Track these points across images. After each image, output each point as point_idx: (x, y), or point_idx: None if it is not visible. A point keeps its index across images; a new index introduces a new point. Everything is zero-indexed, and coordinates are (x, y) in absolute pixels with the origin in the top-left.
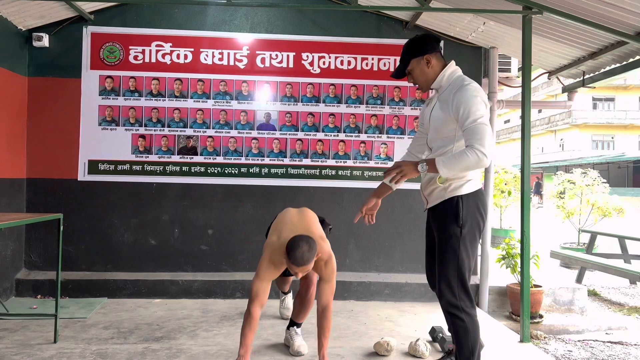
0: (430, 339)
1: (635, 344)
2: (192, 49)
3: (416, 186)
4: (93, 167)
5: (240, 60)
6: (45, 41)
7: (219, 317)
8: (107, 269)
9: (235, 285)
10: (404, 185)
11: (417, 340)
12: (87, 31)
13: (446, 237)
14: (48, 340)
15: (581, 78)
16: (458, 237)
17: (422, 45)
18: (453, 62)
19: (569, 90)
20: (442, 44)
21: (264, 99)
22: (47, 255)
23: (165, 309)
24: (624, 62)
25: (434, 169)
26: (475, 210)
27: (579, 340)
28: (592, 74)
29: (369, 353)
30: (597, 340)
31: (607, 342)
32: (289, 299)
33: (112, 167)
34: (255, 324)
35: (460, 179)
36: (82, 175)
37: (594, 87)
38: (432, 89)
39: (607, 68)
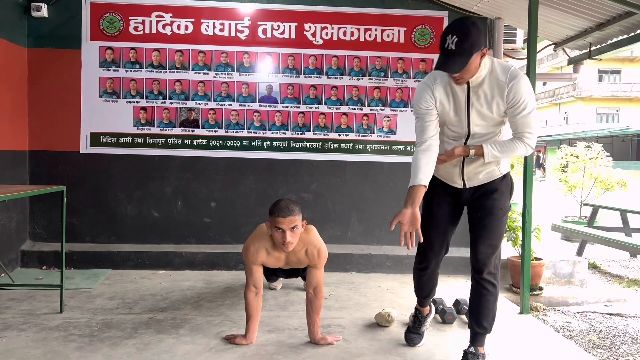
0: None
1: (633, 316)
2: (193, 20)
3: None
4: (95, 139)
5: (242, 31)
6: (44, 11)
7: (222, 289)
8: (111, 241)
9: (238, 257)
10: (407, 159)
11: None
12: (86, 1)
13: (504, 210)
14: (54, 310)
15: (587, 50)
16: (508, 211)
17: (480, 37)
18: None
19: (575, 62)
20: (446, 14)
21: (266, 70)
22: (52, 227)
23: (169, 280)
24: (632, 34)
25: (481, 154)
26: None
27: (578, 312)
28: (598, 46)
29: (370, 324)
30: (596, 312)
31: (606, 313)
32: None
33: (114, 139)
34: (250, 307)
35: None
36: (84, 147)
37: (600, 59)
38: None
39: (614, 40)
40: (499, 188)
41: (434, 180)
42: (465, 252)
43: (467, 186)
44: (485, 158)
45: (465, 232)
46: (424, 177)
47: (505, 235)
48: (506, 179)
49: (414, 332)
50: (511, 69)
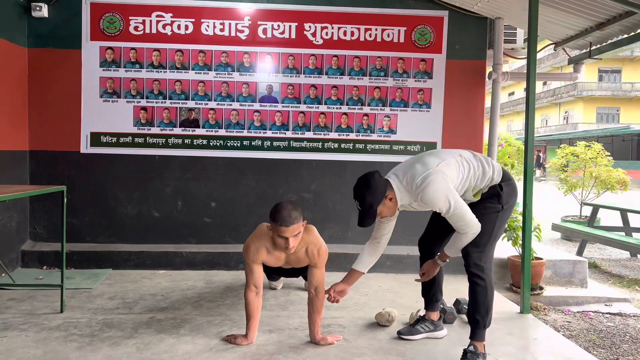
0: None
1: (634, 315)
2: (193, 20)
3: None
4: (95, 139)
5: (242, 31)
6: (44, 11)
7: (222, 288)
8: (112, 241)
9: (238, 257)
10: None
11: (418, 310)
12: (86, 1)
13: (488, 210)
14: (55, 310)
15: (588, 49)
16: (498, 212)
17: (380, 187)
18: (392, 177)
19: (575, 61)
20: (446, 13)
21: (266, 70)
22: (52, 226)
23: (169, 280)
24: (632, 33)
25: (447, 258)
26: (513, 194)
27: (578, 312)
28: (599, 45)
29: (371, 323)
30: (596, 312)
31: (607, 313)
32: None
33: (114, 139)
34: (250, 306)
35: (488, 181)
36: (85, 147)
37: (601, 59)
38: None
39: (615, 39)
40: (485, 195)
41: None
42: None
43: None
44: (452, 256)
45: None
46: (363, 266)
47: (505, 234)
48: (495, 188)
49: (407, 326)
50: (414, 187)
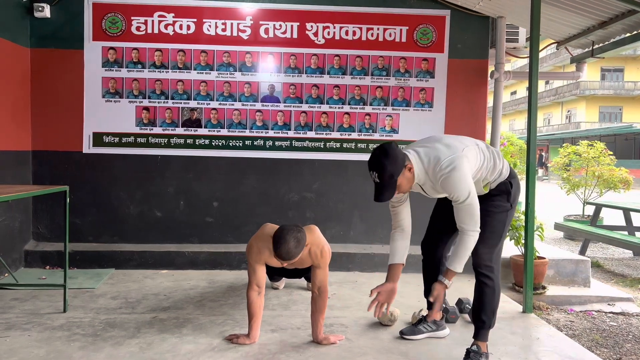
0: None
1: (637, 315)
2: (195, 20)
3: None
4: (98, 139)
5: (244, 31)
6: (46, 12)
7: (225, 288)
8: (114, 241)
9: (241, 256)
10: None
11: (421, 310)
12: (89, 1)
13: (498, 209)
14: (58, 309)
15: (590, 48)
16: (507, 211)
17: (399, 157)
18: (411, 152)
19: (578, 60)
20: (448, 13)
21: (268, 70)
22: (55, 226)
23: (172, 280)
24: (635, 32)
25: (453, 275)
26: (518, 192)
27: (581, 311)
28: (601, 44)
29: (373, 323)
30: (599, 311)
31: (609, 313)
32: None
33: (116, 139)
34: (253, 306)
35: (497, 174)
36: (87, 147)
37: (603, 58)
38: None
39: (617, 38)
40: (493, 193)
41: None
42: None
43: None
44: (458, 271)
45: None
46: (400, 257)
47: (508, 233)
48: (505, 184)
49: (409, 325)
50: (437, 168)
